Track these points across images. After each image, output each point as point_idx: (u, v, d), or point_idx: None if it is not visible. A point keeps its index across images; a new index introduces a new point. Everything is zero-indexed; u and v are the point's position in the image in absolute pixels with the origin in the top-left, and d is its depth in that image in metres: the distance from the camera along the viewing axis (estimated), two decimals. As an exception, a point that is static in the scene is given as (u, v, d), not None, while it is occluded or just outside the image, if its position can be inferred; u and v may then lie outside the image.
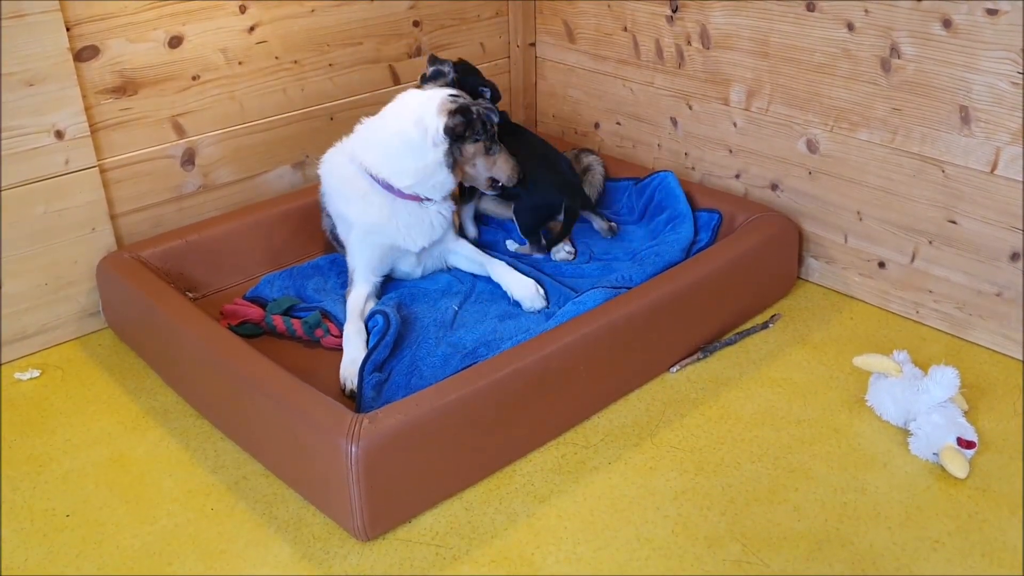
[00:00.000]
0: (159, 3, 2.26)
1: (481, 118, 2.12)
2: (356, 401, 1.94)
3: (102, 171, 2.28)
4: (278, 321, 2.18)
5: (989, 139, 2.07)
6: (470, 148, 2.16)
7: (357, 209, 2.20)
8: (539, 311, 2.19)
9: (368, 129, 2.22)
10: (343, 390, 2.00)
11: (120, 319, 2.29)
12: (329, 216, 2.32)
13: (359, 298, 2.20)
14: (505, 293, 2.25)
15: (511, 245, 2.46)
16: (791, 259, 2.45)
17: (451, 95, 2.14)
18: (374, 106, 2.74)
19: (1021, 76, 1.98)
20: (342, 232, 2.29)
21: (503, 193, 2.37)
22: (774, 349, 2.24)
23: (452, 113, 2.09)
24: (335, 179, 2.25)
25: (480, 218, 2.57)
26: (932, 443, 1.85)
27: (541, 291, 2.22)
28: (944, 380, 1.87)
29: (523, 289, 2.22)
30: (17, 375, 2.19)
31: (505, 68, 3.08)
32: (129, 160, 2.33)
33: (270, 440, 1.82)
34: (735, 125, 2.56)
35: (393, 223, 2.20)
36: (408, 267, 2.32)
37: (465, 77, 2.34)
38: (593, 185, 2.66)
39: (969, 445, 1.83)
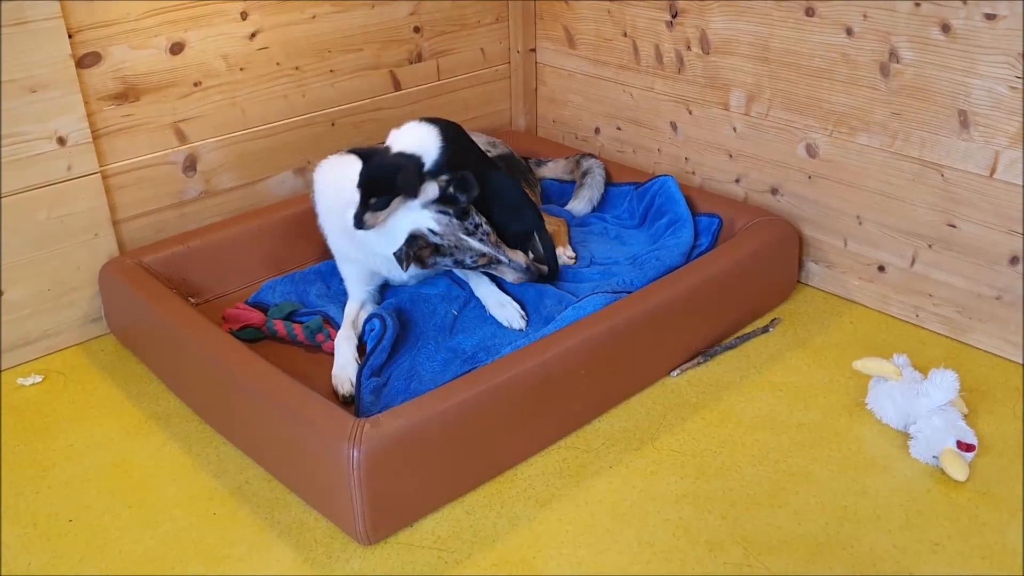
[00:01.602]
0: (161, 10, 2.27)
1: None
2: (355, 405, 1.95)
3: (104, 177, 2.29)
4: (279, 326, 2.19)
5: (988, 143, 2.08)
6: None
7: (331, 224, 2.22)
8: (518, 330, 2.16)
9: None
10: (336, 395, 2.00)
11: (122, 324, 2.29)
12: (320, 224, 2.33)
13: (353, 307, 2.22)
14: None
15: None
16: (791, 263, 2.46)
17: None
18: (375, 112, 2.77)
19: (1020, 80, 1.99)
20: (328, 241, 2.30)
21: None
22: (774, 353, 2.24)
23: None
24: (324, 183, 2.25)
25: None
26: (932, 446, 1.85)
27: (520, 312, 2.17)
28: (944, 383, 1.87)
29: (499, 309, 2.18)
30: (20, 380, 2.19)
31: (505, 74, 3.09)
32: (131, 166, 2.34)
33: (272, 445, 1.82)
34: (735, 130, 2.57)
35: (360, 248, 2.18)
36: (398, 280, 2.30)
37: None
38: (595, 187, 2.68)
39: (969, 448, 1.84)
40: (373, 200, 2.02)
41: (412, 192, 2.05)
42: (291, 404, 1.75)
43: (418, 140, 2.14)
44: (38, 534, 1.75)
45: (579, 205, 2.65)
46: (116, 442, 1.99)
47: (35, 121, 2.12)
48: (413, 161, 2.08)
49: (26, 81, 2.08)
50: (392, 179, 2.02)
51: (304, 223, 2.51)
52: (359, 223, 2.02)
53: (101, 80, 2.23)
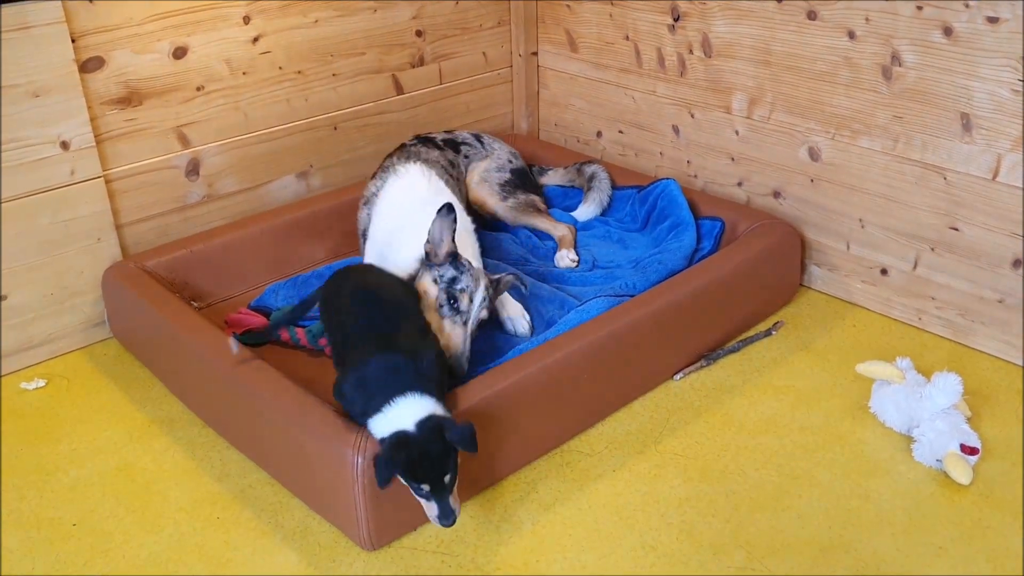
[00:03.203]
0: (163, 14, 2.28)
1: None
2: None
3: (107, 181, 2.29)
4: (282, 330, 2.19)
5: (990, 146, 2.08)
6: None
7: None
8: (521, 335, 2.15)
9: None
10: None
11: (125, 329, 2.29)
12: (367, 216, 2.32)
13: None
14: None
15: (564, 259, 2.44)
16: (794, 266, 2.46)
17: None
18: (377, 115, 2.78)
19: (1021, 83, 1.99)
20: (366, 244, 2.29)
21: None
22: (777, 356, 2.24)
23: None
24: (402, 183, 2.28)
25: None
26: (935, 449, 1.85)
27: (527, 318, 2.16)
28: (947, 386, 1.87)
29: (506, 317, 2.17)
30: (23, 385, 2.19)
31: (507, 77, 3.09)
32: (134, 170, 2.35)
33: (275, 449, 1.82)
34: (737, 133, 2.57)
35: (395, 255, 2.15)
36: None
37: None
38: (603, 191, 2.68)
39: (972, 451, 1.84)
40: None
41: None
42: (295, 410, 1.75)
43: None
44: (41, 538, 1.75)
45: (590, 209, 2.66)
46: (119, 446, 1.99)
47: (38, 126, 2.13)
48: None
49: (29, 86, 2.09)
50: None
51: (307, 227, 2.52)
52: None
53: (104, 85, 2.23)
